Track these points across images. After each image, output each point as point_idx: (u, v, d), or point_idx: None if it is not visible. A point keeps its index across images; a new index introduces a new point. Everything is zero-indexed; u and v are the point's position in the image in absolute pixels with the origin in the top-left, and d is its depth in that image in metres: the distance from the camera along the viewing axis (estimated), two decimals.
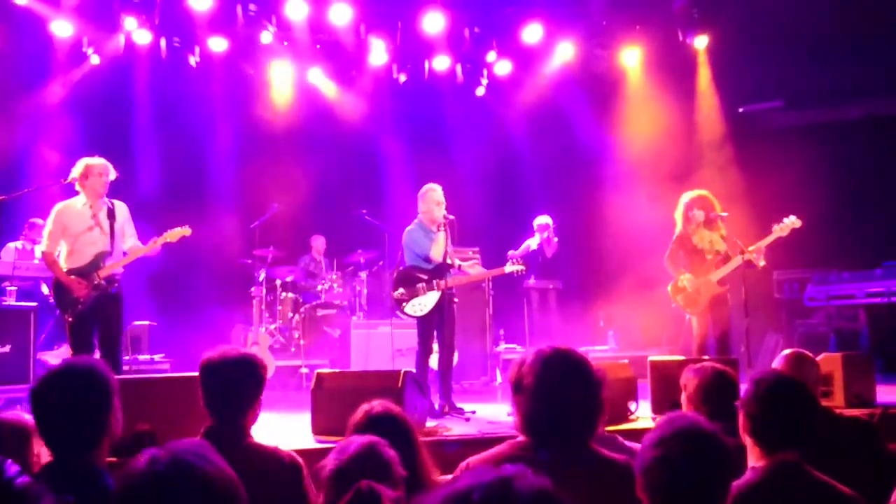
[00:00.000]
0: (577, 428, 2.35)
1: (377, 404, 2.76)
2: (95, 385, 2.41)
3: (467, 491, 1.16)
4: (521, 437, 2.42)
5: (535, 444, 2.34)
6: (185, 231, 5.95)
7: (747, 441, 2.59)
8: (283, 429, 5.47)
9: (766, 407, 2.53)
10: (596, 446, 2.39)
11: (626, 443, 3.11)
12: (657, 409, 5.48)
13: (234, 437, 2.82)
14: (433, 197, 6.52)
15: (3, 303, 7.06)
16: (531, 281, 9.53)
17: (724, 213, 6.96)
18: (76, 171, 5.72)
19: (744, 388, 2.73)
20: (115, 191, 5.92)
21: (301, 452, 3.07)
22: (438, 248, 6.44)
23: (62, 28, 9.08)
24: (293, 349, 9.38)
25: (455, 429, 5.49)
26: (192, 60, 10.00)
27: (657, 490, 2.03)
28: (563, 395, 2.32)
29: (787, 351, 3.99)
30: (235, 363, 2.90)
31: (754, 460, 2.55)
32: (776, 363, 3.91)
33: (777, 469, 2.46)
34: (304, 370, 8.77)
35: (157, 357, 8.81)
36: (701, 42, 10.01)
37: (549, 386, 2.32)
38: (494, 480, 1.18)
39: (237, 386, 2.88)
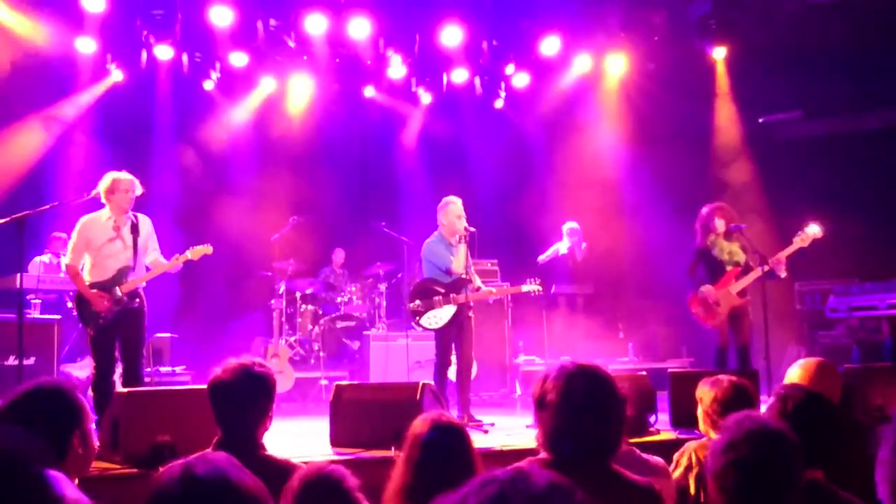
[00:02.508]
0: (599, 446, 2.33)
1: (438, 414, 2.64)
2: (54, 410, 2.34)
3: (484, 482, 1.17)
4: (542, 454, 2.39)
5: (556, 461, 2.32)
6: (206, 249, 6.00)
7: None
8: (301, 440, 5.49)
9: (795, 425, 2.49)
10: (617, 466, 2.37)
11: (643, 455, 3.09)
12: (676, 421, 5.46)
13: (246, 450, 2.77)
14: (454, 210, 6.54)
15: (28, 316, 7.13)
16: (557, 287, 9.42)
17: (744, 225, 6.93)
18: (103, 186, 5.78)
19: (764, 401, 2.69)
20: (136, 203, 6.00)
21: None
22: (459, 261, 6.47)
23: (86, 45, 9.22)
24: (313, 361, 9.42)
25: (474, 441, 5.47)
26: (214, 75, 10.13)
27: (731, 493, 2.06)
28: (586, 413, 2.29)
29: (807, 360, 3.82)
30: (243, 377, 2.86)
31: None
32: (794, 371, 3.73)
33: (802, 488, 2.43)
34: (324, 382, 8.82)
35: (178, 369, 8.87)
36: (719, 53, 9.97)
37: (573, 403, 2.29)
38: (511, 472, 1.19)
39: (247, 401, 2.85)
